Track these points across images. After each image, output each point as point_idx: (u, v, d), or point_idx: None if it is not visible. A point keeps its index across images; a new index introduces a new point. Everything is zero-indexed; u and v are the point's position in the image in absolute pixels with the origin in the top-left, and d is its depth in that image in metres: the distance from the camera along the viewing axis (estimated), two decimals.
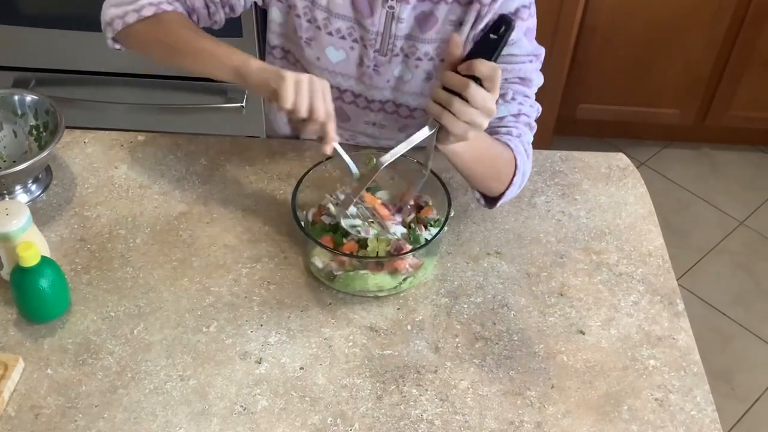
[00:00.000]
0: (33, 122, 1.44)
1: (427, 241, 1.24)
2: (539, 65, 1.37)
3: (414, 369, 1.18)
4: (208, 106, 2.28)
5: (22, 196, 1.40)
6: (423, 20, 1.34)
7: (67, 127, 1.42)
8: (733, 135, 2.96)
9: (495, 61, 1.11)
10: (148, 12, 1.30)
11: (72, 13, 2.15)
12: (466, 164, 1.25)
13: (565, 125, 2.81)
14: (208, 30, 1.33)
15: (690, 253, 2.60)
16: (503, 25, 1.12)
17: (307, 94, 1.14)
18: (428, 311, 1.25)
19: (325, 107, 1.16)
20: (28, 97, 1.44)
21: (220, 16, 1.40)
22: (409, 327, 1.23)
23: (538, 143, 1.38)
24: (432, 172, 1.31)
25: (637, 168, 1.51)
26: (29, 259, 1.15)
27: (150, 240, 1.34)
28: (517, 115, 1.34)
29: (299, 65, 1.45)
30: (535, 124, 1.37)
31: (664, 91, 2.76)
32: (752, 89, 2.73)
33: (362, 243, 1.24)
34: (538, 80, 1.37)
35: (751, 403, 2.21)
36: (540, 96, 1.37)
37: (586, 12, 2.52)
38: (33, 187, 1.41)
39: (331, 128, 1.18)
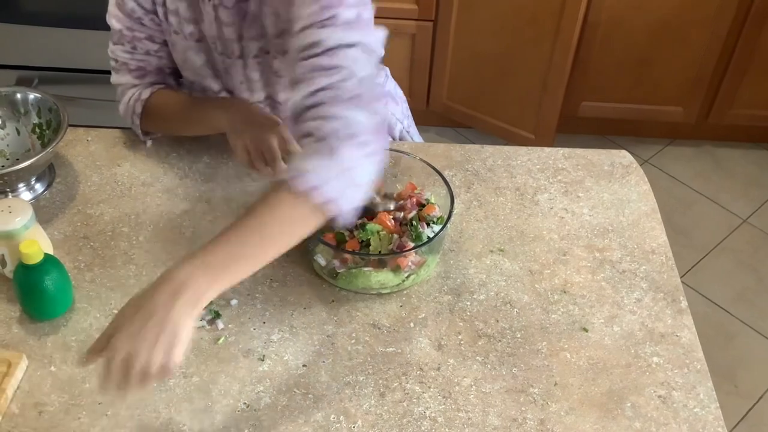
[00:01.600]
0: (36, 120, 1.44)
1: (430, 239, 1.24)
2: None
3: (417, 366, 1.18)
4: None
5: (25, 194, 1.40)
6: (245, 20, 1.29)
7: (70, 125, 1.42)
8: (736, 133, 2.95)
9: None
10: (138, 109, 1.41)
11: (75, 12, 2.15)
12: None
13: (567, 123, 2.80)
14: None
15: (693, 251, 2.60)
16: None
17: (257, 155, 1.29)
18: (431, 308, 1.25)
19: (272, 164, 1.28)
20: (31, 95, 1.44)
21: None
22: (412, 324, 1.23)
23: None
24: (435, 169, 1.32)
25: (640, 166, 1.50)
26: (32, 256, 1.15)
27: (153, 237, 1.34)
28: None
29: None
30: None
31: (667, 89, 2.75)
32: (755, 87, 2.72)
33: (365, 240, 1.25)
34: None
35: (754, 401, 2.21)
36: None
37: (589, 10, 2.51)
38: (36, 185, 1.41)
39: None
